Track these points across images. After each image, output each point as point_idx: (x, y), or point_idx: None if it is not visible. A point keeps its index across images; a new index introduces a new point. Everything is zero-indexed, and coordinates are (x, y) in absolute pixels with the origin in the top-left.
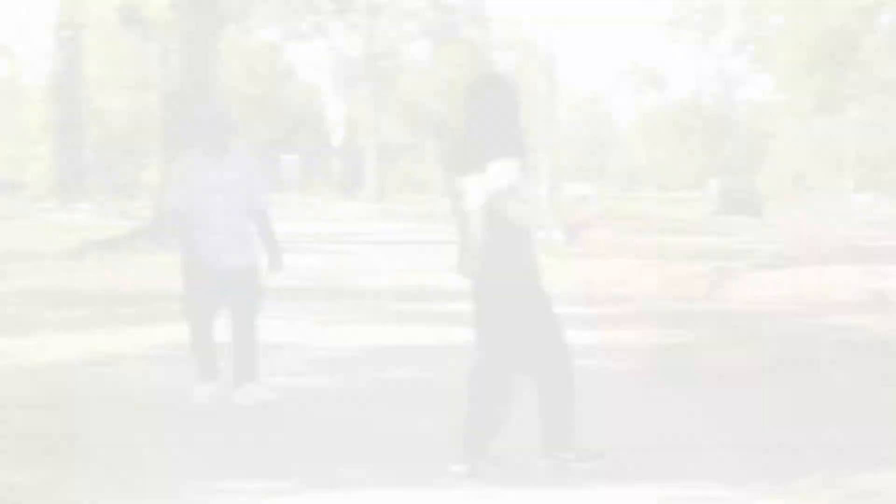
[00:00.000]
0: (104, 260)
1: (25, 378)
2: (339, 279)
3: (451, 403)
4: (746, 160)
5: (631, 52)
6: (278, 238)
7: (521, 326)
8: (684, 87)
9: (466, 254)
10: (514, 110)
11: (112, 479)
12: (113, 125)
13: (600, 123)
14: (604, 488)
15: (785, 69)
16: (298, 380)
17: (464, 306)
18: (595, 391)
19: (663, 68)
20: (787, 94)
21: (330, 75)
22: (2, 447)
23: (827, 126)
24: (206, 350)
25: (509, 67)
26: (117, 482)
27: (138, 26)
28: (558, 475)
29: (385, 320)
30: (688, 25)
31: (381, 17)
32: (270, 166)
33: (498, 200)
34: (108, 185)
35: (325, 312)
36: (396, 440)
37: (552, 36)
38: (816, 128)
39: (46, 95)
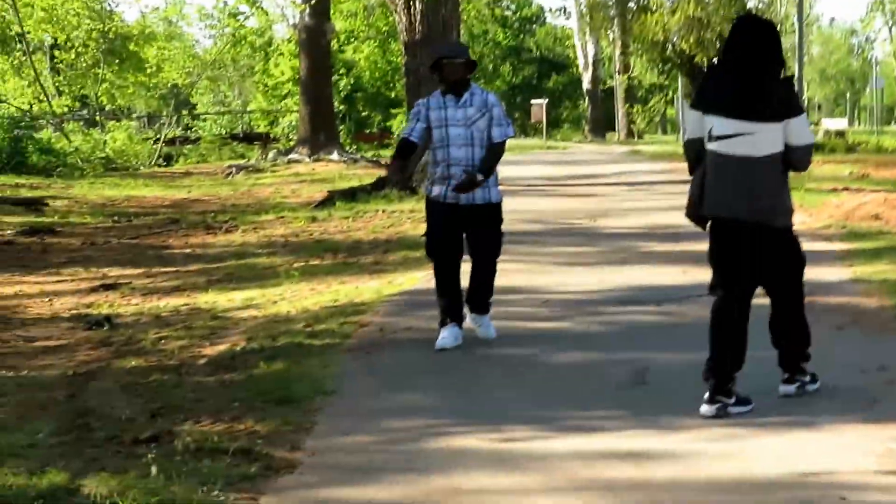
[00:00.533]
0: (351, 209)
1: (275, 325)
2: (586, 222)
3: (698, 344)
4: None
5: None
6: (494, 172)
7: (754, 260)
8: None
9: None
10: (777, 53)
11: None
12: (360, 77)
13: (855, 57)
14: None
15: None
16: (539, 324)
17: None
18: (842, 325)
19: None
20: None
21: (579, 18)
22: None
23: None
24: (448, 290)
25: (759, 2)
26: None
27: None
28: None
29: (632, 261)
30: None
31: None
32: (520, 110)
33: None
34: (357, 136)
35: (571, 255)
36: (639, 384)
37: None
38: None
39: (295, 50)
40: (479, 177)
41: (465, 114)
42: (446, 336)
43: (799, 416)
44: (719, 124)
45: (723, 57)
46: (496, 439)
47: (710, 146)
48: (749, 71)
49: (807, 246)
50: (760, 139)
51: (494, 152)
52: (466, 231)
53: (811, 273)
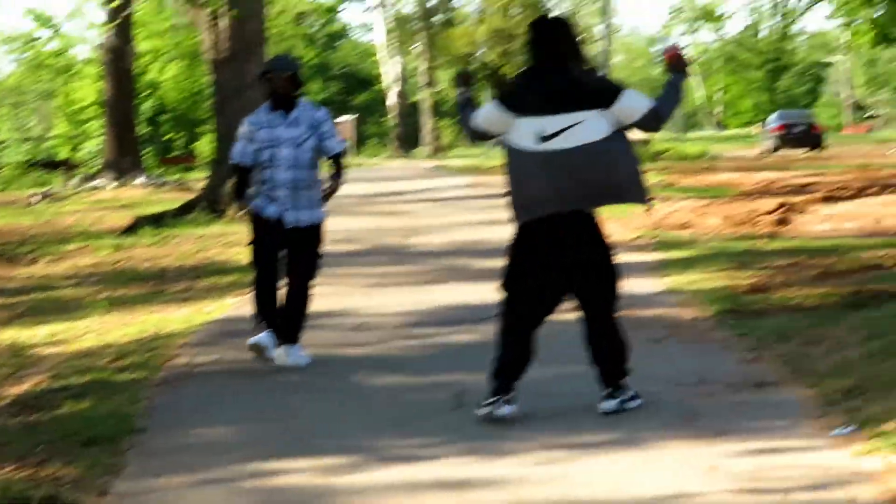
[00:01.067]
0: (158, 235)
1: (80, 361)
2: (393, 240)
3: None
4: (805, 94)
5: None
6: (342, 182)
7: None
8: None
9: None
10: (579, 48)
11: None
12: (165, 98)
13: (656, 65)
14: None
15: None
16: (354, 349)
17: None
18: (659, 338)
19: (718, 5)
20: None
21: (383, 34)
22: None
23: (886, 56)
24: (267, 300)
25: (563, 12)
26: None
27: None
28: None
29: (446, 280)
30: None
31: None
32: None
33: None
34: (162, 159)
35: (384, 276)
36: (458, 407)
37: None
38: (875, 58)
39: (98, 72)
40: (332, 186)
41: (293, 133)
42: (264, 335)
43: (621, 434)
44: (551, 123)
45: (529, 60)
46: (315, 473)
47: (545, 146)
48: (563, 66)
49: (619, 257)
50: (590, 126)
51: (340, 162)
52: (287, 251)
53: (626, 285)
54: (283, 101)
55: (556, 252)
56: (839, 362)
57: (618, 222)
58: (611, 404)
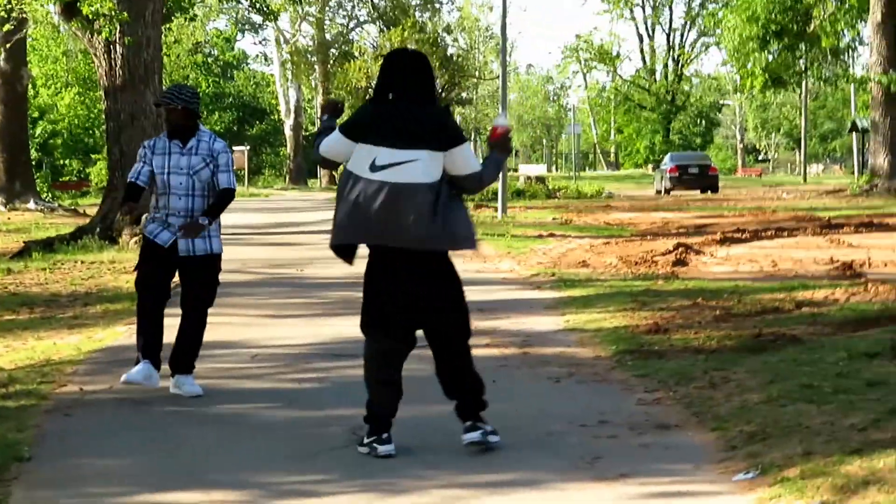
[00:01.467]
0: (48, 260)
1: None
2: (292, 271)
3: (412, 397)
4: (698, 135)
5: (580, 30)
6: (221, 215)
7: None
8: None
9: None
10: (433, 84)
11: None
12: (59, 123)
13: (552, 102)
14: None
15: (735, 43)
16: (248, 381)
17: None
18: (560, 377)
19: (613, 45)
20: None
21: (280, 64)
22: None
23: (778, 99)
24: (148, 328)
25: (459, 50)
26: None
27: (78, 20)
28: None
29: (340, 312)
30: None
31: (332, 2)
32: None
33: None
34: (55, 184)
35: (279, 307)
36: (353, 443)
37: (504, 16)
38: (768, 101)
39: None
40: (204, 220)
41: (188, 162)
42: (136, 371)
43: (521, 474)
44: (385, 154)
45: (379, 90)
46: None
47: (374, 176)
48: (413, 101)
49: (517, 294)
50: (424, 166)
51: (223, 198)
52: (182, 280)
53: (524, 323)
54: (180, 130)
55: (403, 288)
56: (740, 406)
57: (514, 259)
58: (475, 435)
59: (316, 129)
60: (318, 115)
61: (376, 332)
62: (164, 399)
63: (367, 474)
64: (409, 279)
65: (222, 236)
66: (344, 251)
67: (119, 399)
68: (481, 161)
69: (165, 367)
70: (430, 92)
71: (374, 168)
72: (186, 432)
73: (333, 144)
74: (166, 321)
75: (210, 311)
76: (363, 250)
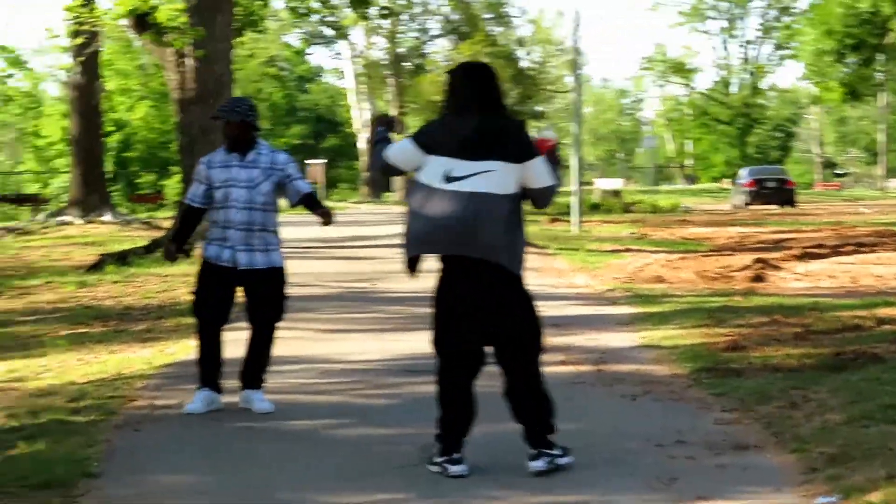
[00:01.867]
0: (122, 273)
1: (37, 400)
2: (365, 285)
3: (485, 415)
4: (776, 149)
5: (656, 43)
6: (277, 234)
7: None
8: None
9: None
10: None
11: None
12: (134, 136)
13: (627, 117)
14: None
15: (812, 56)
16: (318, 396)
17: None
18: (635, 395)
19: (689, 59)
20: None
21: (354, 78)
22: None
23: (857, 113)
24: (207, 354)
25: (532, 63)
26: None
27: (150, 33)
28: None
29: (413, 327)
30: (713, 13)
31: (403, 16)
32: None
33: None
34: (131, 197)
35: (350, 321)
36: (424, 461)
37: (576, 29)
38: (846, 114)
39: (66, 109)
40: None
41: (249, 175)
42: (197, 401)
43: (596, 495)
44: (459, 166)
45: (449, 103)
46: None
47: (449, 187)
48: (485, 113)
49: (592, 310)
50: (499, 178)
51: (316, 200)
52: (246, 295)
53: (599, 339)
54: (238, 143)
55: (474, 301)
56: (821, 427)
57: (589, 274)
58: (539, 464)
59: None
60: (372, 128)
61: (448, 348)
62: (233, 414)
63: (438, 493)
64: (480, 291)
65: (293, 249)
66: (409, 263)
67: (188, 414)
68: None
69: (235, 381)
70: (499, 103)
71: (448, 179)
72: (255, 448)
73: (403, 153)
74: (236, 335)
75: (281, 325)
76: (429, 264)
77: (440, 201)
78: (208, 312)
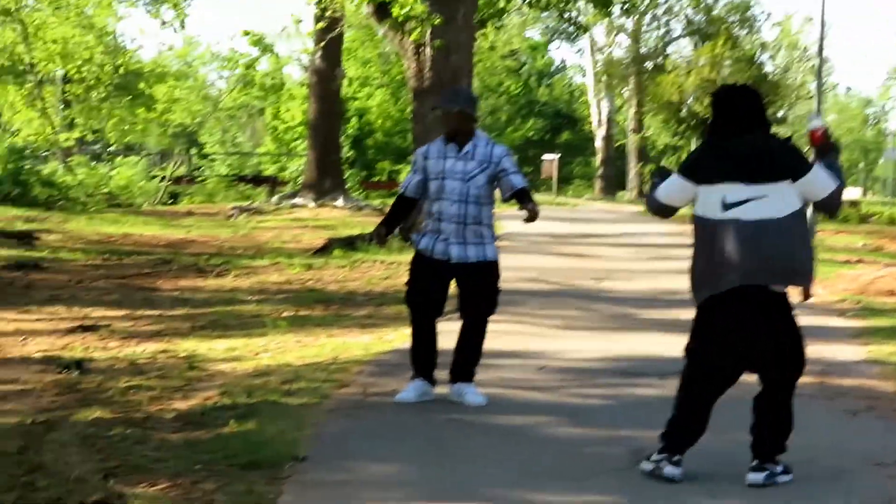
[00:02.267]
0: (348, 258)
1: (253, 380)
2: (590, 283)
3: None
4: None
5: None
6: (492, 228)
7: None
8: None
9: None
10: (765, 116)
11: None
12: (372, 124)
13: (871, 126)
14: None
15: None
16: (532, 393)
17: None
18: (857, 410)
19: None
20: None
21: (594, 74)
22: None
23: None
24: (420, 344)
25: (776, 68)
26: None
27: (390, 20)
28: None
29: (635, 328)
30: None
31: (647, 16)
32: (531, 164)
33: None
34: (365, 183)
35: (571, 319)
36: (637, 466)
37: (823, 36)
38: None
39: (306, 93)
40: (532, 206)
41: (464, 167)
42: (409, 390)
43: None
44: (735, 191)
45: (713, 128)
46: None
47: (728, 215)
48: (751, 134)
49: (820, 321)
50: (775, 200)
51: (527, 195)
52: (458, 288)
53: (824, 351)
54: (455, 134)
55: (744, 327)
56: None
57: (820, 284)
58: (758, 477)
59: (627, 140)
60: (651, 179)
61: (701, 366)
62: (446, 406)
63: (647, 499)
64: (748, 319)
65: (519, 244)
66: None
67: (400, 403)
68: None
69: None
70: (765, 123)
71: (725, 207)
72: (464, 442)
73: (673, 188)
74: (452, 327)
75: (499, 318)
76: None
77: (722, 231)
78: (422, 303)
